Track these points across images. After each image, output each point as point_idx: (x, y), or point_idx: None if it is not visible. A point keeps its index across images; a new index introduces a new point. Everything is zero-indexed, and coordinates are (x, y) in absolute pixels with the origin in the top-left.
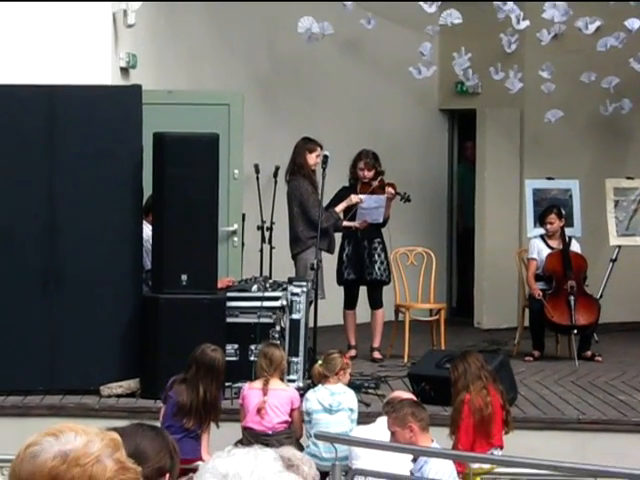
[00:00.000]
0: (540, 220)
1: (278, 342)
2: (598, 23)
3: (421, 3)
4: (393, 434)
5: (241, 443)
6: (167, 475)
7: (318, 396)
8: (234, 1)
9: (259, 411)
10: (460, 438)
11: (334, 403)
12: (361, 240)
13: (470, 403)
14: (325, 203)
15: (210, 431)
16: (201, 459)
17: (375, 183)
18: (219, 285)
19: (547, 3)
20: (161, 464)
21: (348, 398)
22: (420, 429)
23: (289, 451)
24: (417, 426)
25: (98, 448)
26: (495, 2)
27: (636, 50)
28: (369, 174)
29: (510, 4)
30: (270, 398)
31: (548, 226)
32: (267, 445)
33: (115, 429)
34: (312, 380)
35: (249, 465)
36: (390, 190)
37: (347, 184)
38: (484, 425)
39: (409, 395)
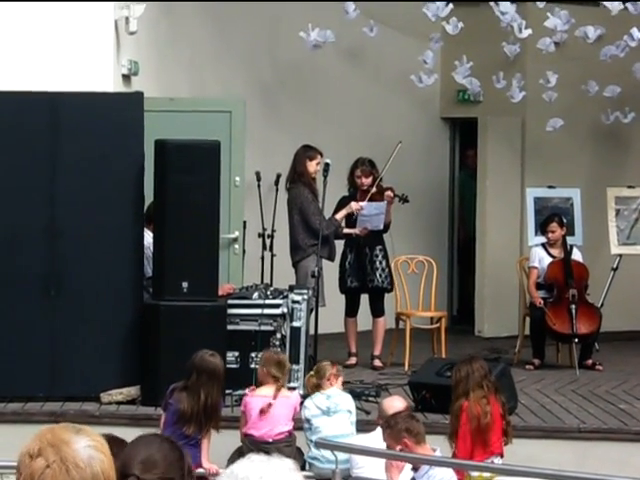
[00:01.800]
0: (541, 229)
1: (279, 349)
2: (600, 32)
3: (424, 10)
4: (388, 447)
5: (240, 451)
6: None
7: (315, 401)
8: (236, 1)
9: (262, 412)
10: (458, 445)
11: (332, 405)
12: (363, 247)
13: (468, 410)
14: (326, 210)
15: (210, 438)
16: (201, 466)
17: (373, 189)
18: (220, 292)
19: (551, 12)
20: (170, 476)
21: (345, 400)
22: (415, 444)
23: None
24: (412, 442)
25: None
26: (497, 11)
27: (638, 59)
28: (367, 181)
29: (512, 13)
30: (278, 406)
31: (549, 235)
32: (267, 453)
33: (133, 440)
34: (307, 392)
35: (269, 473)
36: (389, 193)
37: (347, 193)
38: (481, 433)
39: (402, 403)
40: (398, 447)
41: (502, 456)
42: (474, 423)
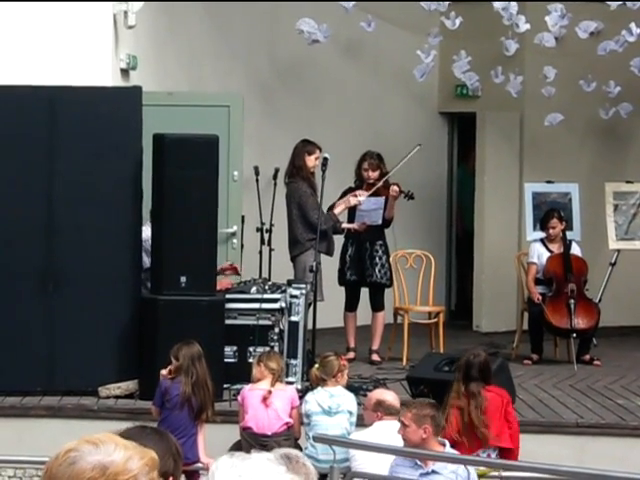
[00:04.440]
0: (541, 225)
1: (276, 348)
2: (594, 26)
3: (422, 4)
4: (405, 427)
5: (239, 445)
6: (171, 478)
7: (317, 398)
8: (235, 1)
9: (264, 399)
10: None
11: (333, 405)
12: (363, 242)
13: (459, 405)
14: (325, 205)
15: (204, 432)
16: (199, 461)
17: (379, 184)
18: (218, 287)
19: (549, 7)
20: (166, 468)
21: (347, 401)
22: (434, 433)
23: (287, 449)
24: (432, 430)
25: (137, 466)
26: (496, 6)
27: (636, 54)
28: (374, 175)
29: (511, 8)
30: (275, 397)
31: (550, 231)
32: (265, 447)
33: (121, 433)
34: (310, 383)
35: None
36: (395, 188)
37: (353, 185)
38: (472, 429)
39: (392, 395)
40: (419, 430)
41: (502, 450)
42: (465, 418)
